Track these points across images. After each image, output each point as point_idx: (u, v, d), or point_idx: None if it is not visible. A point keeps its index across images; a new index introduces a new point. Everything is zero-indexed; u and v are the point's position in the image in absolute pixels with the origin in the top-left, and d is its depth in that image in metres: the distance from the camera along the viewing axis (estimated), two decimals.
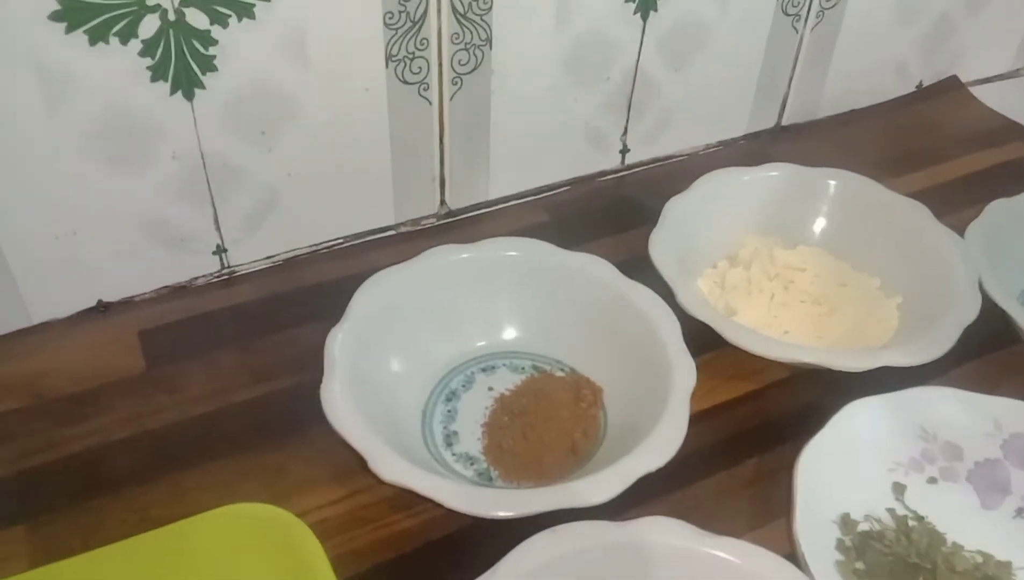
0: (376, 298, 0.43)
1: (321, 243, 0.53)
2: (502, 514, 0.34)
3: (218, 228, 0.49)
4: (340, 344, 0.40)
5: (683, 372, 0.41)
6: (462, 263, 0.46)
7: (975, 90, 0.72)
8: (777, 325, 0.49)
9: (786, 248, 0.53)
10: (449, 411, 0.44)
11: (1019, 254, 0.51)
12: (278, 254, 0.52)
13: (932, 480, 0.42)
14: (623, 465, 0.36)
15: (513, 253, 0.46)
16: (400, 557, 0.38)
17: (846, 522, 0.39)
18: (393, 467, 0.35)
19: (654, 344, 0.43)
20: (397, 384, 0.43)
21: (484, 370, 0.46)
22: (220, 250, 0.50)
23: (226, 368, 0.46)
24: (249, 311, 0.49)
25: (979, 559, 0.38)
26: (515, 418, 0.43)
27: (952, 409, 0.43)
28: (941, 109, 0.70)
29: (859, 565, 0.38)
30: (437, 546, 0.39)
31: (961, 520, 0.40)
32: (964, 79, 0.72)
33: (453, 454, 0.42)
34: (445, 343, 0.45)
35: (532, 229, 0.56)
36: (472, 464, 0.41)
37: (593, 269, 0.46)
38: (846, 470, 0.41)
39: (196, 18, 0.42)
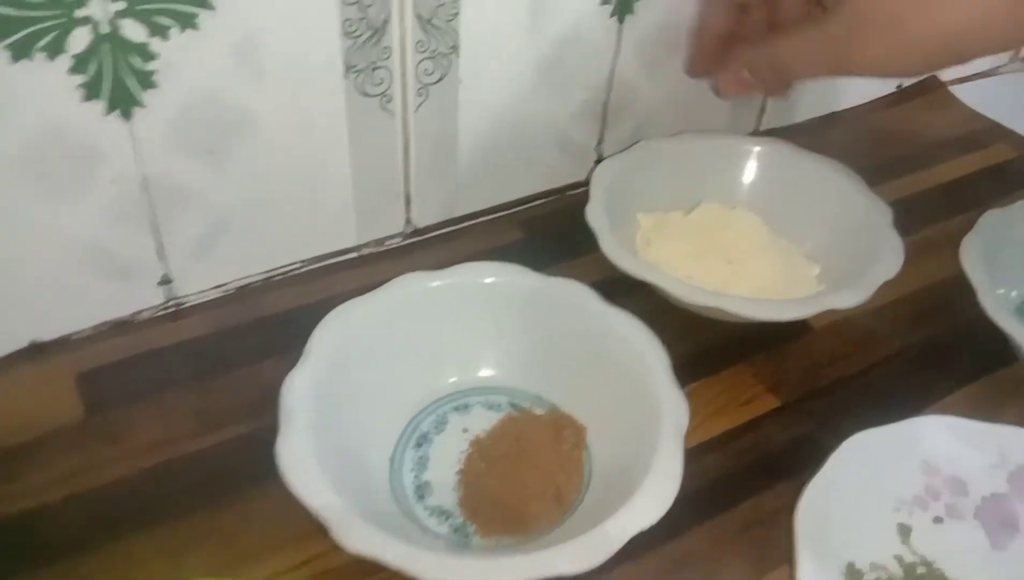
0: (337, 336, 0.39)
1: (277, 269, 0.49)
2: None
3: (163, 257, 0.45)
4: (297, 392, 0.37)
5: (673, 409, 0.38)
6: (431, 292, 0.42)
7: (955, 89, 0.70)
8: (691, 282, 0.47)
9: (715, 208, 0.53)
10: (420, 458, 0.40)
11: (1014, 267, 0.49)
12: (230, 282, 0.48)
13: (938, 519, 0.39)
14: (613, 523, 0.33)
15: (487, 280, 0.43)
16: None
17: (852, 572, 0.37)
18: (358, 535, 0.32)
19: (640, 377, 0.39)
20: (362, 431, 0.39)
21: (458, 409, 0.42)
22: (166, 281, 0.46)
23: (175, 414, 0.42)
24: (199, 347, 0.45)
25: None
26: (493, 464, 0.39)
27: (954, 440, 0.41)
28: (923, 111, 0.68)
29: None
30: None
31: (971, 562, 0.38)
32: (944, 78, 0.70)
33: (426, 508, 0.38)
34: (414, 381, 0.42)
35: (505, 247, 0.53)
36: (447, 519, 0.38)
37: (573, 296, 0.42)
38: (849, 512, 0.38)
39: (133, 30, 0.38)
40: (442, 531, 0.37)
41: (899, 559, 0.38)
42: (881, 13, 0.36)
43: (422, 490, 0.39)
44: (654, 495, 0.34)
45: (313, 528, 0.36)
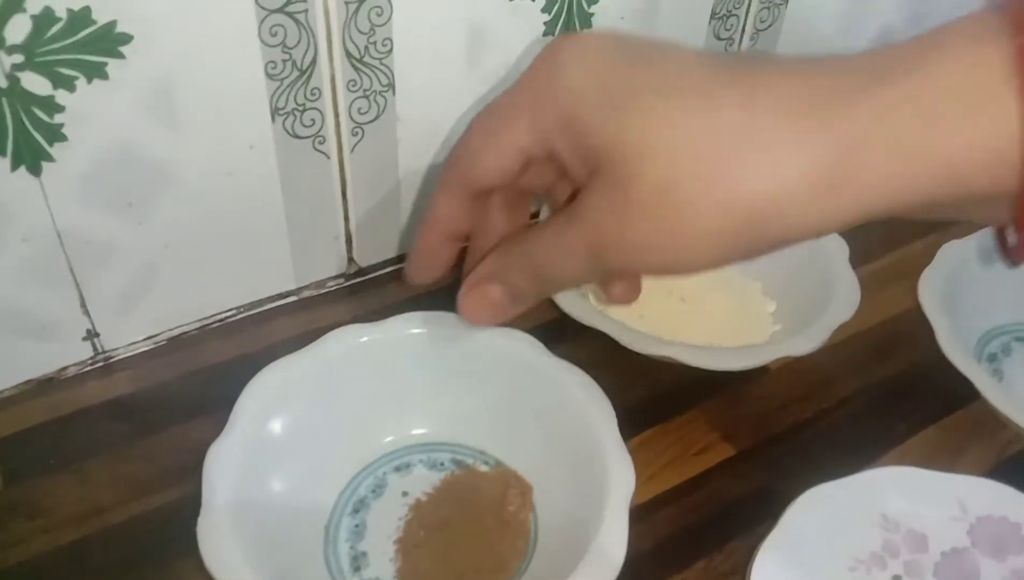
0: (263, 400, 0.37)
1: (211, 316, 0.47)
2: None
3: (87, 311, 0.43)
4: (219, 464, 0.35)
5: (620, 474, 0.36)
6: (361, 348, 0.40)
7: None
8: (642, 324, 0.45)
9: None
10: (356, 526, 0.38)
11: (974, 302, 0.48)
12: (161, 334, 0.46)
13: (897, 578, 0.38)
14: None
15: (421, 331, 0.41)
16: None
17: None
18: None
19: (586, 436, 0.38)
20: (294, 501, 0.37)
21: (398, 469, 0.40)
22: (92, 335, 0.44)
23: (98, 482, 0.40)
24: (126, 406, 0.43)
25: None
26: (433, 532, 0.37)
27: (913, 492, 0.39)
28: None
29: None
30: None
31: None
32: None
33: None
34: (350, 443, 0.40)
35: (452, 286, 0.50)
36: None
37: (514, 347, 0.40)
38: (804, 574, 0.37)
39: (35, 83, 0.36)
40: None
41: None
42: (657, 184, 0.25)
43: (358, 561, 0.37)
44: (595, 571, 0.33)
45: None
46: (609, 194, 0.27)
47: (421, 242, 0.36)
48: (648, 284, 0.47)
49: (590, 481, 0.36)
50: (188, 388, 0.44)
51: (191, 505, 0.34)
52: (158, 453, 0.41)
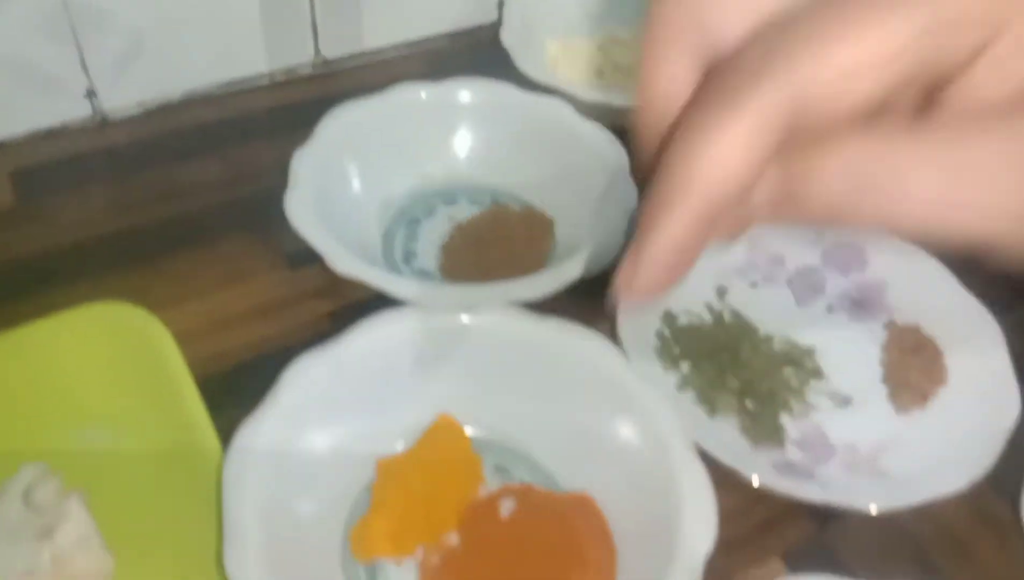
0: (342, 126, 0.46)
1: (194, 90, 0.54)
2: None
3: (86, 70, 0.50)
4: (306, 162, 0.44)
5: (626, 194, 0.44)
6: (424, 101, 0.49)
7: None
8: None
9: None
10: (409, 234, 0.47)
11: None
12: (151, 100, 0.53)
13: (754, 284, 0.46)
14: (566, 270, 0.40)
15: (476, 92, 0.49)
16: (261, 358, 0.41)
17: (668, 317, 0.43)
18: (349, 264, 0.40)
19: (602, 170, 0.46)
20: (361, 206, 0.46)
21: (446, 202, 0.49)
22: (91, 94, 0.51)
23: (97, 204, 0.48)
24: (122, 152, 0.51)
25: (786, 346, 0.43)
26: (469, 239, 0.46)
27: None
28: None
29: (675, 350, 0.42)
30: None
31: (775, 316, 0.44)
32: None
33: (410, 269, 0.45)
34: (408, 176, 0.48)
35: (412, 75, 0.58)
36: (428, 279, 0.45)
37: (554, 110, 0.49)
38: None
39: None
40: None
41: (710, 307, 0.44)
42: None
43: (409, 257, 0.46)
44: None
45: (216, 284, 0.44)
46: None
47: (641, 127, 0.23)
48: None
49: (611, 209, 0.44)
50: (177, 144, 0.52)
51: (173, 219, 0.45)
52: (149, 184, 0.49)
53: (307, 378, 0.35)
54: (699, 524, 0.32)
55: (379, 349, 0.37)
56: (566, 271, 0.40)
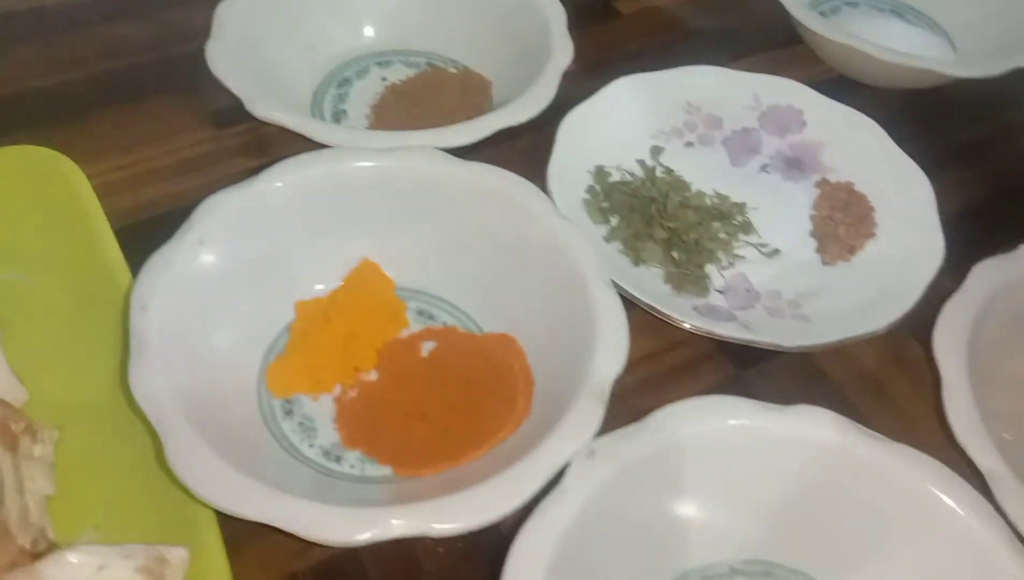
0: None
1: None
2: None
3: None
4: (231, 13, 0.42)
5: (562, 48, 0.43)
6: None
7: None
8: None
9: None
10: (340, 94, 0.46)
11: None
12: None
13: (689, 144, 0.45)
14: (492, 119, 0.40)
15: None
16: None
17: (599, 172, 0.42)
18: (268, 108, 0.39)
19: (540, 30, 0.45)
20: (289, 63, 0.45)
21: (380, 64, 0.47)
22: None
23: (25, 61, 0.47)
24: (53, 10, 0.49)
25: (717, 201, 0.42)
26: (402, 99, 0.45)
27: (717, 84, 0.46)
28: None
29: (604, 204, 0.41)
30: None
31: (709, 174, 0.44)
32: None
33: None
34: (341, 37, 0.47)
35: None
36: None
37: None
38: (607, 134, 0.43)
39: None
40: None
41: (642, 163, 0.43)
42: None
43: (339, 117, 0.45)
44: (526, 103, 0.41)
45: (136, 142, 0.43)
46: None
47: None
48: None
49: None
50: (104, 3, 0.50)
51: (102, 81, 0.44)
52: (78, 43, 0.48)
53: (223, 212, 0.35)
54: (609, 352, 0.32)
55: (299, 189, 0.36)
56: (494, 119, 0.40)
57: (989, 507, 0.29)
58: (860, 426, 0.31)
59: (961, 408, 0.32)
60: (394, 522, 0.28)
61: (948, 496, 0.29)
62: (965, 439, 0.31)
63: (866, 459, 0.30)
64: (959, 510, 0.29)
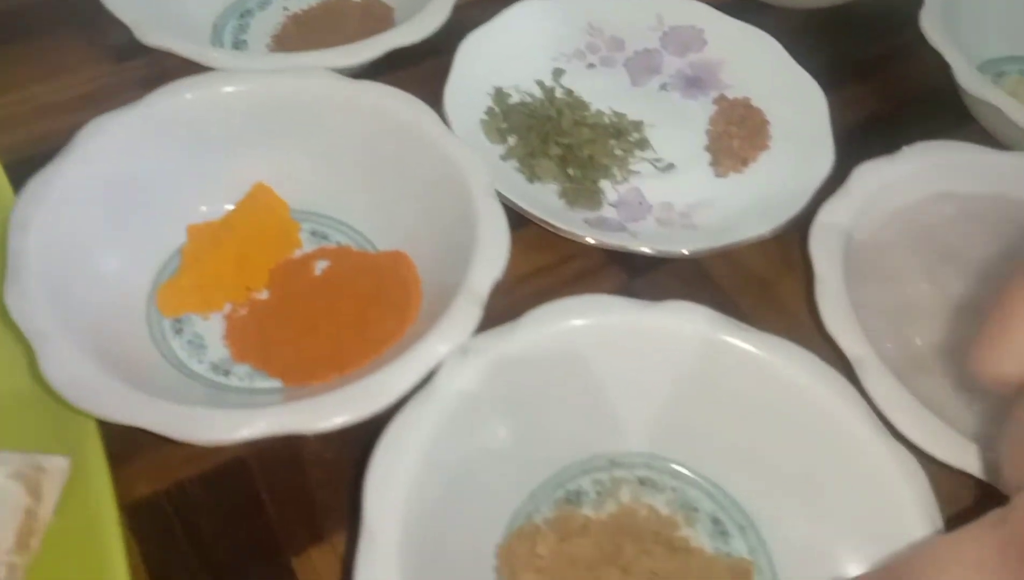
0: None
1: None
2: None
3: None
4: None
5: None
6: None
7: None
8: None
9: None
10: (241, 25, 0.46)
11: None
12: None
13: (591, 66, 0.45)
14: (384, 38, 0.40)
15: None
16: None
17: (499, 94, 0.43)
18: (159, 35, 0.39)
19: None
20: None
21: None
22: None
23: None
24: None
25: (615, 118, 0.43)
26: (303, 28, 0.46)
27: (620, 6, 0.46)
28: None
29: (503, 125, 0.42)
30: None
31: (608, 94, 0.44)
32: None
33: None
34: None
35: None
36: None
37: None
38: (509, 57, 0.43)
39: None
40: None
41: (541, 84, 0.44)
42: None
43: (239, 47, 0.45)
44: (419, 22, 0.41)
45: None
46: None
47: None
48: None
49: None
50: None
51: None
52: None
53: (107, 133, 0.35)
54: (489, 257, 0.33)
55: (187, 111, 0.36)
56: (387, 39, 0.40)
57: (854, 390, 0.30)
58: (731, 319, 0.31)
59: (831, 299, 0.33)
60: (264, 421, 0.28)
61: (815, 381, 0.30)
62: (834, 328, 0.32)
63: (736, 349, 0.31)
64: (825, 394, 0.30)
